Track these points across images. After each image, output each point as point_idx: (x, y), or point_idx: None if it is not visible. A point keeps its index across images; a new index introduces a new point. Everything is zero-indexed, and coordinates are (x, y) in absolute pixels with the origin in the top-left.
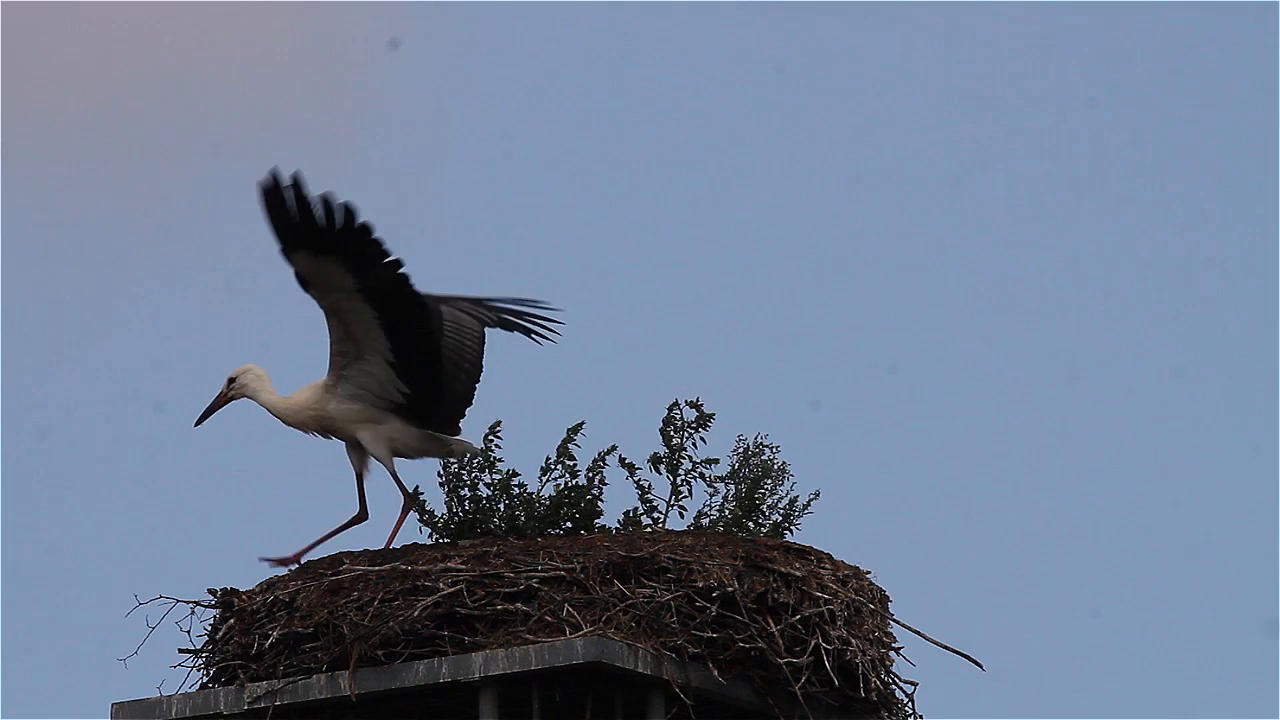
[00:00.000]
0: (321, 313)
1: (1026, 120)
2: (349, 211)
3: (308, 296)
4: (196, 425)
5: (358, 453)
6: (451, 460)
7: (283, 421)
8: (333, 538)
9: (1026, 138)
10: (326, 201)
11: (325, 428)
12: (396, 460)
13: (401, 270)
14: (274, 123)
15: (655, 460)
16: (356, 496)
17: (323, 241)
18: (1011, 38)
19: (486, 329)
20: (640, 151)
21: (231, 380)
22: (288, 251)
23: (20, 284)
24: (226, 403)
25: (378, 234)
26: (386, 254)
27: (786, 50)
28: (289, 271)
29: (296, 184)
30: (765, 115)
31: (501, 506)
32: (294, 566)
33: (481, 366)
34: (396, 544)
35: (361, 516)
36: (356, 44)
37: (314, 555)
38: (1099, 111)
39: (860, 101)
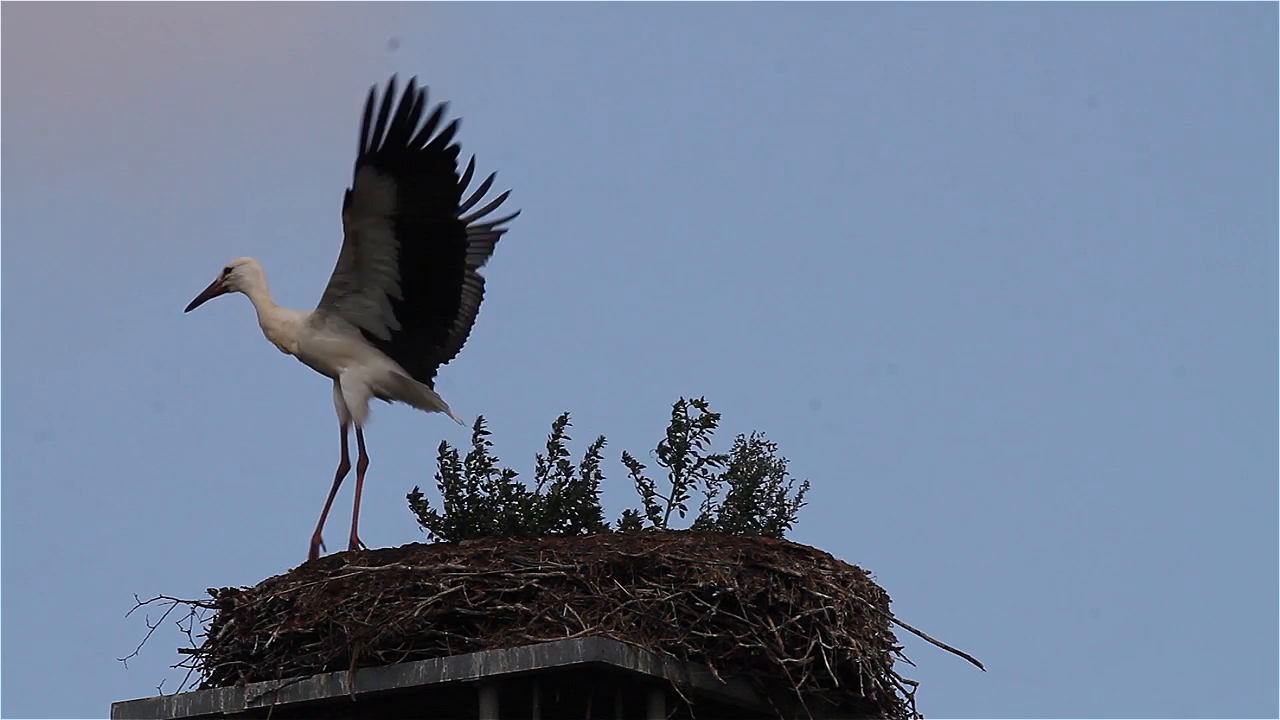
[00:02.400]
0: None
1: (1026, 120)
2: (452, 128)
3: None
4: (187, 311)
5: (342, 400)
6: (446, 459)
7: (265, 330)
8: (334, 499)
9: (1026, 138)
10: (438, 112)
11: (306, 356)
12: (375, 403)
13: (454, 202)
14: (274, 123)
15: (662, 451)
16: (340, 448)
17: (404, 156)
18: (1011, 38)
19: (481, 271)
20: (640, 150)
21: (228, 270)
22: (361, 163)
23: (20, 284)
24: (220, 293)
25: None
26: (455, 179)
27: (786, 49)
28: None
29: (413, 90)
30: (765, 114)
31: (501, 508)
32: (322, 546)
33: (476, 312)
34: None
35: (344, 468)
36: (356, 44)
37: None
38: (1099, 111)
39: (860, 101)
